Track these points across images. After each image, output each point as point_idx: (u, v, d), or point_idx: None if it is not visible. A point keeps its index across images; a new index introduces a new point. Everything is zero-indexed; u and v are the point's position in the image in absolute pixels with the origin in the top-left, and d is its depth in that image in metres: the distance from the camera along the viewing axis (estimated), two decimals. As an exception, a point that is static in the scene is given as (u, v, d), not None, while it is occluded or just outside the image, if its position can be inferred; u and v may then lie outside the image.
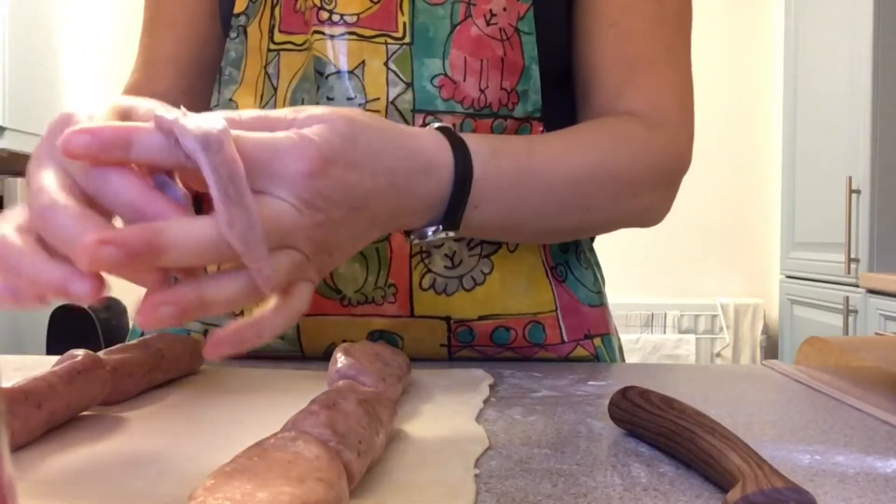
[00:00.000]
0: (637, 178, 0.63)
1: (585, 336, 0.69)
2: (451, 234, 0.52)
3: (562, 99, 0.69)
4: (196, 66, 0.76)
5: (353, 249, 0.46)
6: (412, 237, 0.53)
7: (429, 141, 0.50)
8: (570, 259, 0.71)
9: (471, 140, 0.53)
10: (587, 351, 0.69)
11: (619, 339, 0.76)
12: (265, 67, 0.67)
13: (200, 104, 0.75)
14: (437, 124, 0.53)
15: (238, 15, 0.69)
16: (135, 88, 0.76)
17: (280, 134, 0.40)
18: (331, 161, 0.41)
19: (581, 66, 0.69)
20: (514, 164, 0.56)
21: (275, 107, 0.67)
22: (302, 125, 0.42)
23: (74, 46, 3.14)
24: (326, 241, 0.42)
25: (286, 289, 0.40)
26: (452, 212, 0.51)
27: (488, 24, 0.64)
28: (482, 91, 0.64)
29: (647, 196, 0.65)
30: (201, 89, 0.76)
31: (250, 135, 0.39)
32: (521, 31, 0.65)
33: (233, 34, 0.69)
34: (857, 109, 2.37)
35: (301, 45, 0.66)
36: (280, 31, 0.66)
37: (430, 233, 0.52)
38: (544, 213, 0.59)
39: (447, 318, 0.66)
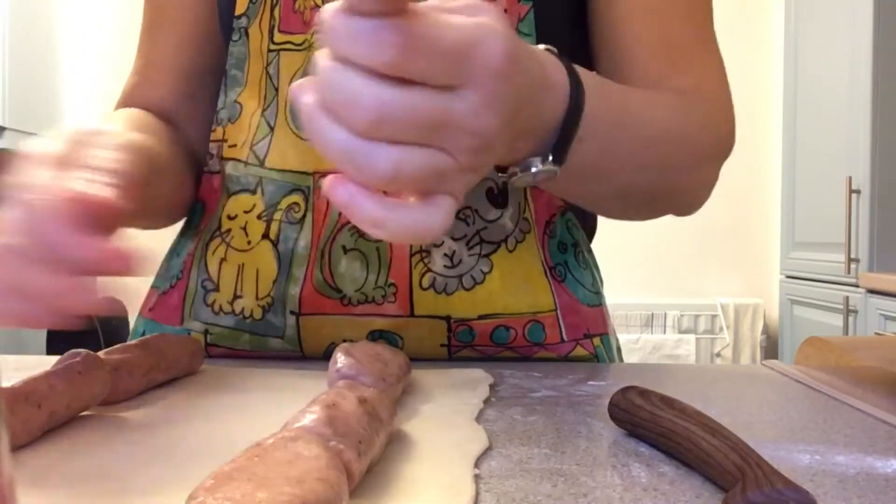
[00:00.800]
0: (704, 147, 0.63)
1: (585, 335, 0.69)
2: (553, 172, 0.48)
3: None
4: (196, 70, 0.76)
5: (488, 167, 0.42)
6: (516, 171, 0.48)
7: (545, 57, 0.46)
8: (568, 259, 0.71)
9: (577, 68, 0.49)
10: (587, 350, 0.69)
11: (617, 340, 0.76)
12: (266, 68, 0.68)
13: (200, 108, 0.76)
14: (542, 46, 0.49)
15: (239, 17, 0.69)
16: (134, 91, 0.76)
17: (468, 22, 0.36)
18: (514, 60, 0.37)
19: (614, 54, 0.67)
20: (619, 102, 0.55)
21: (277, 107, 0.67)
22: (473, 13, 0.37)
23: (74, 46, 3.14)
24: (483, 150, 0.37)
25: (426, 195, 0.37)
26: (563, 144, 0.48)
27: None
28: None
29: (708, 167, 0.64)
30: (201, 94, 0.76)
31: (444, 22, 0.34)
32: (521, 32, 0.65)
33: (235, 36, 0.69)
34: (857, 109, 2.37)
35: (300, 44, 0.66)
36: (279, 31, 0.67)
37: (534, 164, 0.47)
38: (634, 163, 0.57)
39: (447, 318, 0.66)
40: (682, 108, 0.61)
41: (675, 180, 0.62)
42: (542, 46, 0.49)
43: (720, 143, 0.65)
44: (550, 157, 0.47)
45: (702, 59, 0.66)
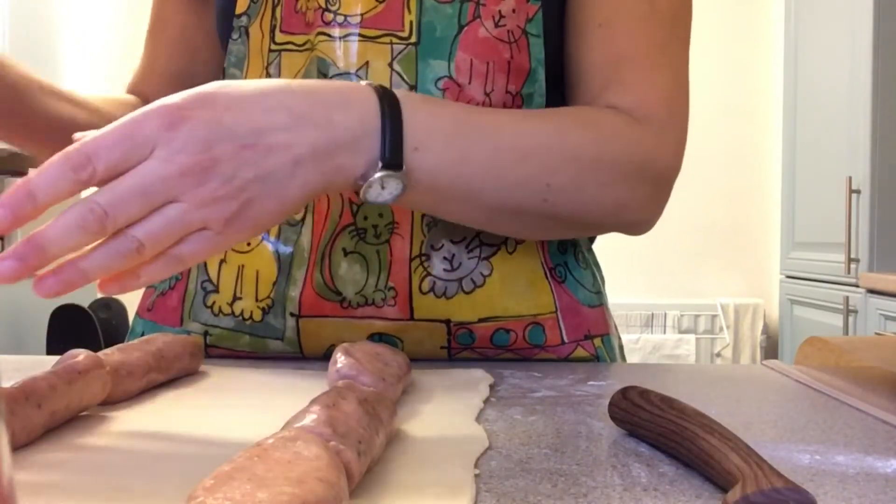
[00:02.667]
0: (603, 165, 0.59)
1: (585, 336, 0.69)
2: (401, 181, 0.50)
3: (565, 102, 0.69)
4: (188, 75, 0.78)
5: (286, 192, 0.46)
6: (361, 185, 0.50)
7: (340, 84, 0.50)
8: (568, 260, 0.71)
9: (400, 91, 0.53)
10: (587, 352, 0.69)
11: (619, 339, 0.76)
12: (266, 68, 0.67)
13: None
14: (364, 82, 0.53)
15: (240, 15, 0.69)
16: (134, 89, 0.80)
17: (132, 114, 0.43)
18: (191, 108, 0.43)
19: (570, 65, 0.67)
20: (451, 112, 0.55)
21: None
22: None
23: (74, 46, 3.14)
24: (225, 186, 0.43)
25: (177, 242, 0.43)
26: (391, 150, 0.50)
27: (497, 25, 0.63)
28: (487, 94, 0.64)
29: (618, 188, 0.60)
30: None
31: (106, 127, 0.42)
32: (529, 33, 0.64)
33: (234, 35, 0.69)
34: (857, 109, 2.37)
35: (302, 45, 0.66)
36: (281, 31, 0.66)
37: (374, 175, 0.49)
38: (499, 177, 0.55)
39: (447, 322, 0.66)
40: (571, 122, 0.59)
41: (574, 199, 0.59)
42: (364, 82, 0.52)
43: (638, 161, 0.61)
44: (380, 164, 0.49)
45: (652, 75, 0.64)
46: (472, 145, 0.54)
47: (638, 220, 0.64)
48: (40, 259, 0.39)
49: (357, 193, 0.51)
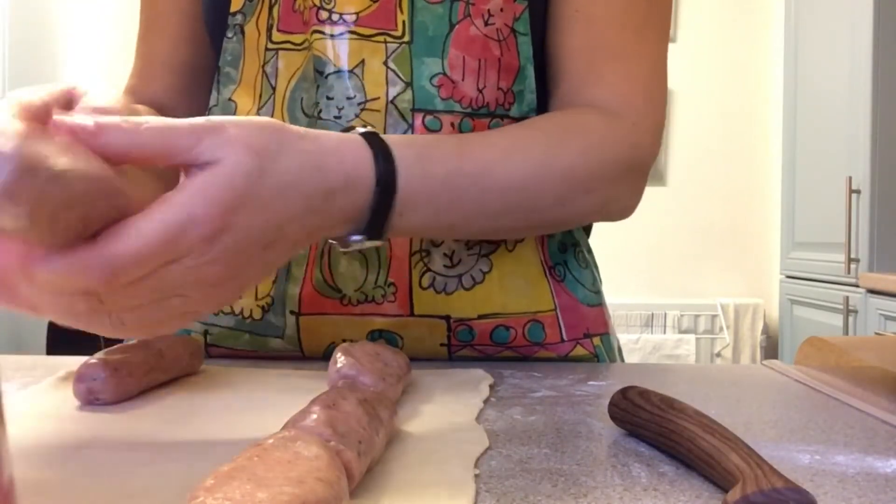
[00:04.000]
0: (590, 175, 0.61)
1: (585, 335, 0.69)
2: (377, 242, 0.51)
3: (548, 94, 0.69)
4: (190, 66, 0.76)
5: (276, 265, 0.45)
6: (334, 243, 0.51)
7: (350, 153, 0.48)
8: (568, 259, 0.71)
9: (397, 146, 0.51)
10: (586, 350, 0.69)
11: (617, 340, 0.76)
12: (263, 67, 0.67)
13: (197, 104, 0.76)
14: (362, 129, 0.51)
15: (234, 14, 0.69)
16: (130, 93, 0.76)
17: (174, 206, 0.38)
18: (234, 212, 0.40)
19: (550, 54, 0.68)
20: (443, 169, 0.54)
21: (273, 106, 0.67)
22: (205, 153, 0.40)
23: (74, 46, 3.14)
24: (237, 287, 0.43)
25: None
26: (376, 220, 0.50)
27: (486, 24, 0.64)
28: (480, 91, 0.64)
29: (605, 191, 0.62)
30: (197, 90, 0.76)
31: (147, 220, 0.38)
32: (517, 31, 0.65)
33: (230, 34, 0.69)
34: (857, 109, 2.37)
35: (300, 44, 0.66)
36: (279, 30, 0.66)
37: (353, 241, 0.50)
38: (483, 214, 0.57)
39: (447, 318, 0.66)
40: (556, 141, 0.60)
41: (560, 213, 0.61)
42: (361, 130, 0.51)
43: (622, 159, 0.63)
44: (364, 237, 0.50)
45: (628, 63, 0.65)
46: (457, 196, 0.54)
47: (621, 210, 0.66)
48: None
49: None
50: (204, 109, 0.75)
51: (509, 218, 0.58)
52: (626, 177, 0.64)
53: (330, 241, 0.52)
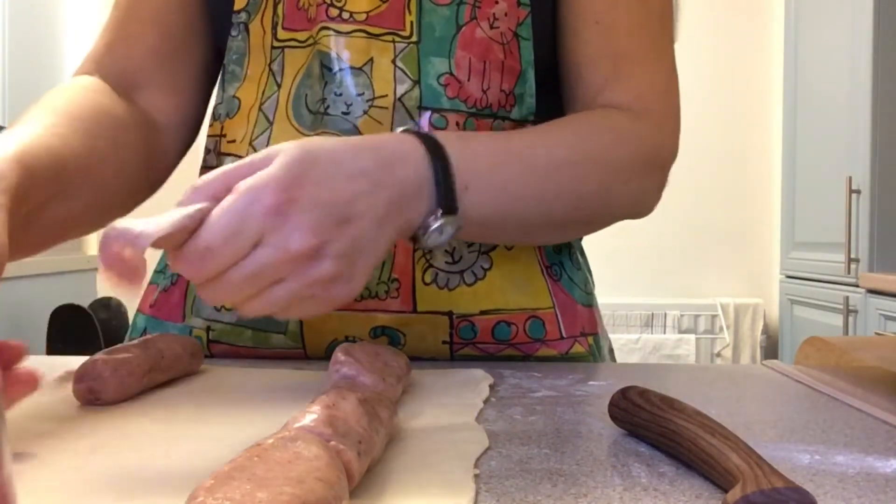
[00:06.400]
0: (623, 164, 0.64)
1: (581, 333, 0.70)
2: (456, 223, 0.53)
3: (557, 103, 0.71)
4: (178, 30, 0.72)
5: (376, 252, 0.49)
6: (421, 234, 0.53)
7: (389, 136, 0.53)
8: (563, 260, 0.72)
9: (436, 132, 0.56)
10: (583, 347, 0.70)
11: (609, 342, 0.77)
12: (269, 65, 0.68)
13: (174, 77, 0.72)
14: (399, 129, 0.55)
15: (238, 12, 0.69)
16: (104, 52, 0.72)
17: (237, 192, 0.44)
18: (293, 188, 0.44)
19: (566, 63, 0.69)
20: (488, 146, 0.57)
21: (277, 102, 0.67)
22: (261, 165, 0.45)
23: (75, 46, 3.14)
24: (333, 265, 0.46)
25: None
26: (446, 194, 0.52)
27: (491, 27, 0.65)
28: (484, 92, 0.65)
29: (637, 182, 0.65)
30: (181, 58, 0.72)
31: (217, 209, 0.43)
32: (519, 35, 0.66)
33: (234, 32, 0.69)
34: (857, 109, 2.37)
35: (304, 41, 0.66)
36: (284, 28, 0.67)
37: (433, 222, 0.52)
38: (537, 196, 0.59)
39: (449, 313, 0.66)
40: (588, 131, 0.63)
41: (602, 201, 0.63)
42: (399, 129, 0.56)
43: (648, 154, 0.66)
44: (440, 212, 0.52)
45: (648, 69, 0.68)
46: (510, 173, 0.57)
47: (649, 207, 0.68)
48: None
49: (415, 242, 0.54)
50: (180, 85, 0.72)
51: (560, 204, 0.60)
52: (654, 172, 0.66)
53: (417, 239, 0.53)
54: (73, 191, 0.54)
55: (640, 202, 0.67)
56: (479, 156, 0.56)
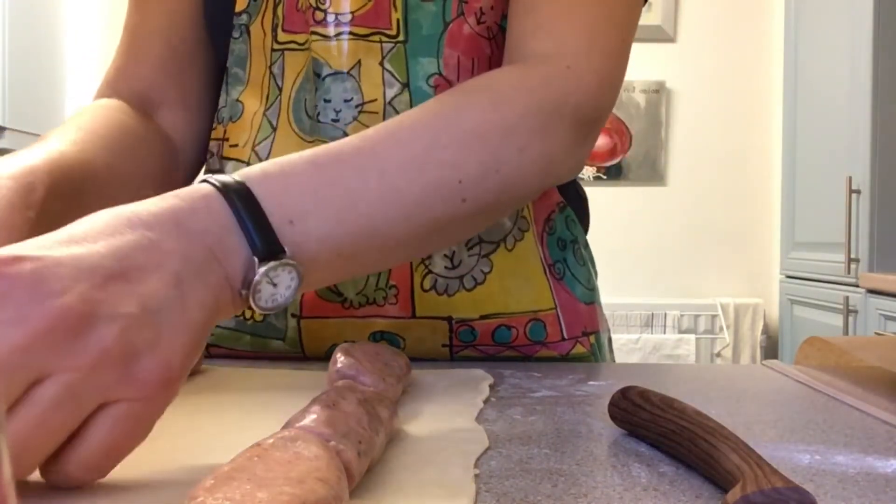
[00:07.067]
0: (515, 128, 0.52)
1: (583, 333, 0.70)
2: (291, 268, 0.41)
3: None
4: (185, 47, 0.73)
5: (187, 316, 0.35)
6: (246, 294, 0.40)
7: (180, 190, 0.40)
8: (567, 256, 0.71)
9: (250, 171, 0.43)
10: (585, 348, 0.70)
11: (609, 336, 0.77)
12: (270, 67, 0.68)
13: (186, 91, 0.73)
14: (199, 179, 0.45)
15: (239, 14, 0.69)
16: (118, 76, 0.73)
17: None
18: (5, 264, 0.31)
19: (507, 18, 0.62)
20: (303, 166, 0.45)
21: (280, 107, 0.67)
22: None
23: (75, 46, 3.14)
24: (112, 332, 0.32)
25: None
26: (259, 233, 0.40)
27: (479, 22, 0.64)
28: None
29: (538, 145, 0.53)
30: (189, 75, 0.73)
31: None
32: (505, 28, 0.65)
33: (235, 34, 0.69)
34: (857, 109, 2.37)
35: (303, 44, 0.66)
36: (283, 30, 0.67)
37: (256, 273, 0.39)
38: (399, 201, 0.47)
39: (449, 318, 0.66)
40: (475, 94, 0.53)
41: (491, 184, 0.51)
42: (199, 179, 0.44)
43: (560, 105, 0.55)
44: (256, 260, 0.39)
45: (567, 10, 0.58)
46: (350, 184, 0.45)
47: (565, 171, 0.58)
48: None
49: (250, 308, 0.40)
50: (192, 99, 0.73)
51: (439, 199, 0.49)
52: (560, 127, 0.55)
53: (247, 301, 0.40)
54: (97, 205, 0.46)
55: (548, 168, 0.55)
56: (303, 181, 0.44)
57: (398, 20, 0.64)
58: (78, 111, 0.65)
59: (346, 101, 0.64)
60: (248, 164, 0.68)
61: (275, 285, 0.40)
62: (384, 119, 0.63)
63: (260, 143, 0.67)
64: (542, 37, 0.58)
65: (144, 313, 0.33)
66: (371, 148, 0.48)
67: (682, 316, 3.32)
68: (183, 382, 0.35)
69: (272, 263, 0.40)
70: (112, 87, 0.72)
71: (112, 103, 0.68)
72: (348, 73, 0.64)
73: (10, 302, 0.30)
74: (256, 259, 0.39)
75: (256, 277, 0.39)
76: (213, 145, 0.72)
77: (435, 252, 0.64)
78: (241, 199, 0.40)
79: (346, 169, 0.46)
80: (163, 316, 0.34)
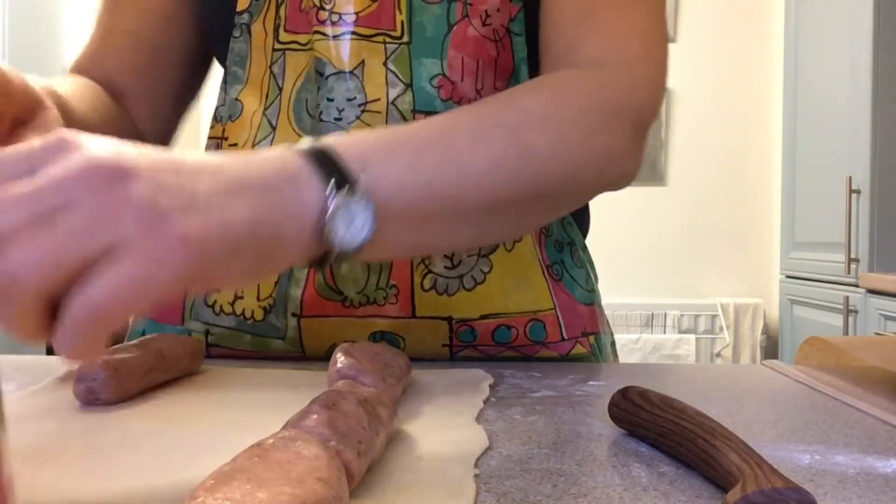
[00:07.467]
0: (575, 116, 0.53)
1: (583, 333, 0.70)
2: (366, 204, 0.40)
3: None
4: (157, 45, 0.74)
5: (232, 221, 0.35)
6: (325, 221, 0.39)
7: (244, 156, 0.39)
8: (565, 258, 0.71)
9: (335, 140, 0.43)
10: (584, 348, 0.69)
11: (612, 338, 0.76)
12: (270, 67, 0.68)
13: (156, 87, 0.74)
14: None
15: (241, 13, 0.69)
16: (88, 59, 0.73)
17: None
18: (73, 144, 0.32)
19: (542, 22, 0.63)
20: (374, 133, 0.45)
21: (279, 107, 0.67)
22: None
23: (75, 46, 3.14)
24: (139, 191, 0.32)
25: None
26: (335, 169, 0.39)
27: (484, 24, 0.64)
28: (478, 91, 0.65)
29: (599, 138, 0.54)
30: (159, 72, 0.74)
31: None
32: (512, 32, 0.65)
33: (236, 33, 0.69)
34: (857, 109, 2.37)
35: (305, 44, 0.66)
36: (286, 30, 0.67)
37: (331, 202, 0.38)
38: (473, 164, 0.47)
39: (449, 318, 0.66)
40: (534, 91, 0.54)
41: (554, 168, 0.51)
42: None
43: (620, 104, 0.56)
44: (333, 184, 0.39)
45: (620, 17, 0.59)
46: (417, 144, 0.46)
47: (623, 171, 0.58)
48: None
49: (327, 248, 0.39)
50: (162, 95, 0.75)
51: (506, 172, 0.48)
52: (620, 125, 0.55)
53: (323, 229, 0.39)
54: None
55: (607, 164, 0.55)
56: (371, 138, 0.44)
57: (402, 22, 0.64)
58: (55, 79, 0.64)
59: (349, 100, 0.64)
60: None
61: (351, 222, 0.39)
62: (386, 119, 0.63)
63: (259, 142, 0.68)
64: (598, 43, 0.58)
65: (183, 194, 0.33)
66: (441, 118, 0.48)
67: (682, 316, 3.32)
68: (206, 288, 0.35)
69: (348, 193, 0.39)
70: (82, 71, 0.73)
71: (86, 80, 0.70)
72: (351, 72, 0.64)
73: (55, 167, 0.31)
74: (332, 181, 0.39)
75: (332, 207, 0.38)
76: (211, 143, 0.72)
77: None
78: (314, 148, 0.40)
79: (415, 130, 0.46)
80: (200, 200, 0.34)
